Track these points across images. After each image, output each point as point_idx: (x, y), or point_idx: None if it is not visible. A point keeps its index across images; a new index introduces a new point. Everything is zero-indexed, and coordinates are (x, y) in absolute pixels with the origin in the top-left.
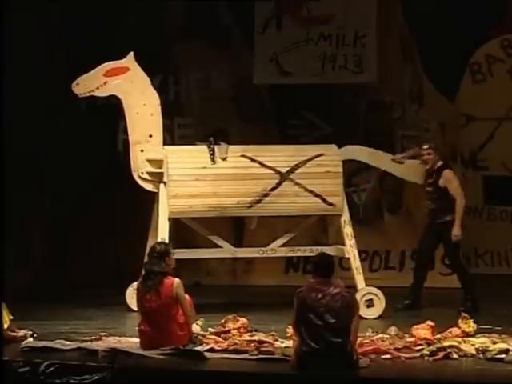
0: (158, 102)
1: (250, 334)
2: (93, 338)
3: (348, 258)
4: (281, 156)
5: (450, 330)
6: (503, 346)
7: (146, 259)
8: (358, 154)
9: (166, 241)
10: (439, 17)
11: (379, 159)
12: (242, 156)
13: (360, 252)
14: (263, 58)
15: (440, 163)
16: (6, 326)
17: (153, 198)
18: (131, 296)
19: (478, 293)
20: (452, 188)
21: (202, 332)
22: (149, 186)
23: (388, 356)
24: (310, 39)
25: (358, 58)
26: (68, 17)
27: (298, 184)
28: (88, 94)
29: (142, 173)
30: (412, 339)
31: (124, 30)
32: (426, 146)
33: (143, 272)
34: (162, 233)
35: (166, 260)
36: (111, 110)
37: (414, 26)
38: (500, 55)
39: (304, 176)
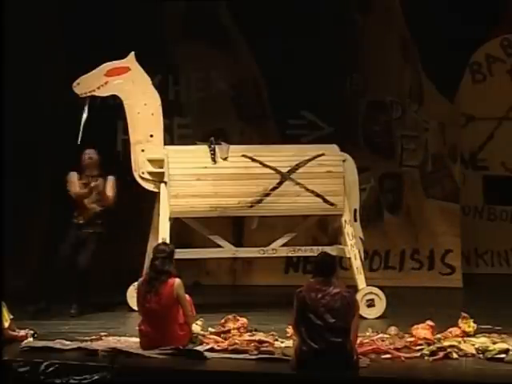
0: (159, 101)
1: (249, 333)
2: (93, 337)
3: (349, 258)
4: (282, 156)
5: (450, 329)
6: (503, 345)
7: (147, 260)
8: None
9: (167, 241)
10: (439, 17)
11: None
12: (243, 156)
13: None
14: None
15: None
16: (6, 326)
17: (153, 197)
18: (132, 295)
19: (478, 292)
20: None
21: (202, 332)
22: (150, 186)
23: (388, 356)
24: None
25: None
26: (68, 16)
27: (298, 184)
28: (89, 94)
29: (143, 172)
30: (412, 339)
31: (124, 30)
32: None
33: (150, 272)
34: (163, 233)
35: (173, 261)
36: (110, 109)
37: (414, 26)
38: (500, 55)
39: (305, 176)
